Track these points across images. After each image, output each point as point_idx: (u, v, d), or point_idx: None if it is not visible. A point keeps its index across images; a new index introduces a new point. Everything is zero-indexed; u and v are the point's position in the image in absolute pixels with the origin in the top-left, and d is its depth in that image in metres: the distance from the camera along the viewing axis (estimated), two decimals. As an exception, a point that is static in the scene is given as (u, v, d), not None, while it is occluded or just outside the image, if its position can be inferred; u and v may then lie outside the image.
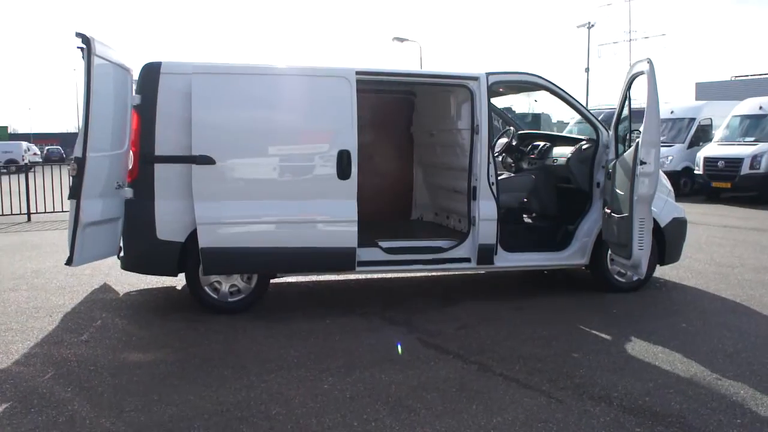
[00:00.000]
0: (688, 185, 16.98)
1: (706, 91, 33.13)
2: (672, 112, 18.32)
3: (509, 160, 8.00)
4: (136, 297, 6.34)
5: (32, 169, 13.92)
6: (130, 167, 5.51)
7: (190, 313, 5.66)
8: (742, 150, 15.54)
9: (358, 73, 5.79)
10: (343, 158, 5.63)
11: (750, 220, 12.44)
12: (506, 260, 6.36)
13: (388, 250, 6.13)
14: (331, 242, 5.71)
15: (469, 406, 3.80)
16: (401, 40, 39.12)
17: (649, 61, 5.55)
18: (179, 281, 6.25)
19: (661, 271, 7.31)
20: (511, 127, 8.03)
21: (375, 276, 7.15)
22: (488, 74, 6.22)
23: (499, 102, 8.32)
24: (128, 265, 5.71)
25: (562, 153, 7.09)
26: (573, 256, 6.52)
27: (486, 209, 6.18)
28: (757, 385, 4.10)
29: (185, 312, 5.69)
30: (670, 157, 16.96)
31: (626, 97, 6.10)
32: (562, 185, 7.12)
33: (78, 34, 4.62)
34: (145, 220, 5.46)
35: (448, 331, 5.32)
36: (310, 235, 5.68)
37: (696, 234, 10.49)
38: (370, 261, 6.04)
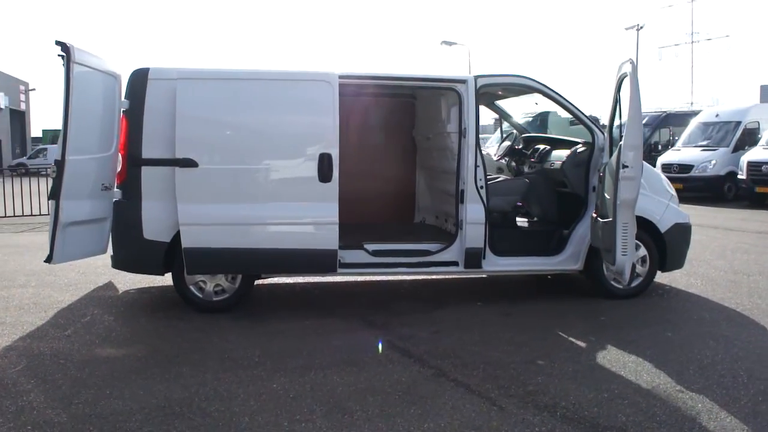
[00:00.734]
0: (732, 190, 16.24)
1: (771, 94, 31.67)
2: (717, 116, 17.61)
3: (513, 163, 7.89)
4: (132, 295, 6.57)
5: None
6: (119, 170, 5.73)
7: (176, 311, 5.83)
8: None
9: (341, 77, 5.84)
10: (324, 161, 5.68)
11: (792, 226, 11.81)
12: (495, 264, 6.27)
13: (374, 253, 6.15)
14: (312, 244, 5.77)
15: (406, 410, 3.77)
16: (449, 43, 39.08)
17: (631, 62, 5.38)
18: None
19: (671, 278, 7.07)
20: (515, 131, 7.90)
21: (372, 279, 7.17)
22: (476, 77, 6.16)
23: (506, 104, 8.18)
24: (117, 263, 5.93)
25: (560, 156, 6.93)
26: (566, 261, 6.37)
27: (473, 212, 6.12)
28: (718, 399, 3.91)
29: (172, 310, 5.87)
30: (713, 161, 16.27)
31: (617, 99, 5.91)
32: (561, 189, 6.97)
33: (57, 42, 4.86)
34: (132, 220, 5.66)
35: (421, 334, 5.29)
36: (291, 236, 5.76)
37: (725, 240, 10.08)
38: (353, 263, 6.07)
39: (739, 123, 17.01)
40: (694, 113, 19.02)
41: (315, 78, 5.81)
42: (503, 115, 8.11)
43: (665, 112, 20.56)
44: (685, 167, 16.55)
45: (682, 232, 6.58)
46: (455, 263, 6.22)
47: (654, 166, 17.94)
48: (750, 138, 16.79)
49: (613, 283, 6.36)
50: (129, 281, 6.98)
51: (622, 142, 5.33)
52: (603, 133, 6.26)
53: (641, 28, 33.77)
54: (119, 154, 5.72)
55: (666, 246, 6.44)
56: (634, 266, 5.83)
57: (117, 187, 5.74)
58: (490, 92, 7.47)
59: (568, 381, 4.22)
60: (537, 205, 7.20)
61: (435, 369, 4.45)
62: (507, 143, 7.87)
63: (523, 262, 6.44)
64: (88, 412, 3.72)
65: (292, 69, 5.99)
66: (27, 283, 6.94)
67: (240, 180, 5.70)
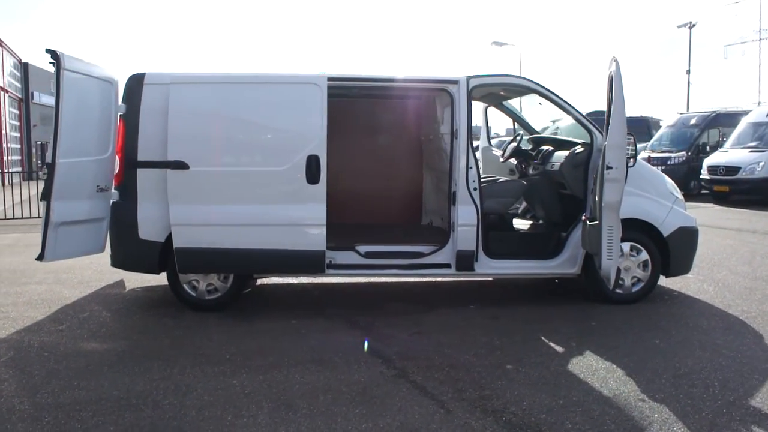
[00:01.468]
0: (781, 193, 15.42)
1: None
2: None
3: (522, 165, 7.76)
4: (137, 293, 6.82)
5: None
6: (117, 171, 5.96)
7: (171, 309, 6.01)
8: None
9: (330, 79, 5.90)
10: (312, 163, 5.75)
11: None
12: (488, 267, 6.19)
13: (366, 255, 6.17)
14: (300, 245, 5.84)
15: (352, 409, 3.78)
16: (500, 44, 38.74)
17: (615, 61, 5.21)
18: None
19: (683, 283, 6.85)
20: (521, 132, 7.77)
21: (372, 280, 7.20)
22: (469, 78, 6.09)
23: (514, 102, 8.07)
24: (116, 262, 6.17)
25: (561, 158, 6.77)
26: (563, 264, 6.22)
27: (465, 214, 6.06)
28: (679, 410, 3.75)
29: (167, 308, 6.05)
30: (762, 163, 15.47)
31: (610, 99, 5.73)
32: (563, 191, 6.81)
33: (47, 51, 5.13)
34: (128, 221, 5.88)
35: (400, 336, 5.28)
36: (279, 237, 5.85)
37: (759, 245, 9.63)
38: (344, 264, 6.11)
39: (792, 123, 16.15)
40: (745, 113, 18.14)
41: (303, 81, 5.89)
42: (512, 116, 7.99)
43: (714, 112, 19.69)
44: (732, 169, 15.82)
45: (687, 236, 6.31)
46: (448, 265, 6.18)
47: (701, 168, 17.32)
48: (802, 139, 15.92)
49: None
50: (139, 280, 7.24)
51: (606, 143, 5.18)
52: (602, 134, 6.09)
53: (694, 26, 32.50)
54: (116, 157, 5.97)
55: (670, 250, 6.20)
56: (619, 271, 5.64)
57: (115, 189, 5.98)
58: (495, 93, 7.39)
59: (528, 386, 4.13)
60: (540, 207, 7.07)
61: (398, 370, 4.44)
62: (513, 144, 7.74)
63: (519, 265, 6.32)
64: (51, 401, 3.90)
65: (282, 72, 6.09)
66: (44, 280, 7.30)
67: (230, 182, 5.83)
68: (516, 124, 8.18)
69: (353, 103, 7.68)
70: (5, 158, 32.50)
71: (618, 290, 6.17)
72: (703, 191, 17.64)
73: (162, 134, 5.73)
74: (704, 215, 14.01)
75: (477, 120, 7.27)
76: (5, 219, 13.80)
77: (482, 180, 6.35)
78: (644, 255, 6.19)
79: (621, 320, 5.65)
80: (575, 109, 6.25)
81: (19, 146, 37.96)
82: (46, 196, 5.29)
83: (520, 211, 7.66)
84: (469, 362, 4.59)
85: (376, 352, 4.85)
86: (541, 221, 7.23)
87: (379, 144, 8.06)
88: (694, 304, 6.21)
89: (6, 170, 28.42)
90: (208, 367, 4.50)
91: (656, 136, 20.32)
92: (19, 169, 33.74)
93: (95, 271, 7.71)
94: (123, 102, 5.92)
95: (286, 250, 5.82)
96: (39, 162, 37.81)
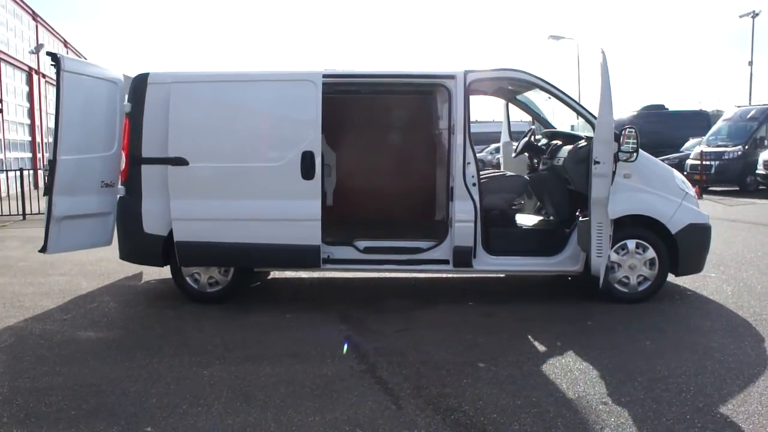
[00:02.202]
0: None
1: None
2: None
3: (533, 160, 7.59)
4: (150, 285, 7.08)
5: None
6: (123, 168, 6.21)
7: (176, 301, 6.22)
8: None
9: (325, 75, 5.94)
10: (307, 159, 5.81)
11: None
12: (487, 264, 6.10)
13: (365, 250, 6.20)
14: (295, 239, 5.92)
15: (307, 402, 3.82)
16: (557, 38, 37.73)
17: (602, 52, 5.01)
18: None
19: (702, 282, 6.63)
20: (533, 125, 7.59)
21: (377, 275, 7.21)
22: (467, 72, 6.01)
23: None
24: (123, 255, 6.42)
25: (566, 152, 6.57)
26: (565, 261, 6.06)
27: (462, 210, 5.99)
28: (639, 414, 3.59)
29: (172, 300, 6.26)
30: None
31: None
32: (570, 186, 6.61)
33: (48, 53, 5.39)
34: (133, 215, 6.12)
35: (386, 331, 5.28)
36: (275, 232, 5.94)
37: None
38: (342, 259, 6.16)
39: None
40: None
41: (299, 78, 5.96)
42: (527, 110, 7.80)
43: (774, 104, 18.62)
44: (788, 164, 14.94)
45: (698, 233, 6.01)
46: (446, 261, 6.13)
47: (757, 162, 16.42)
48: None
49: (617, 286, 5.96)
50: (157, 273, 7.49)
51: (593, 137, 5.00)
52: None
53: (757, 15, 30.72)
54: (122, 154, 6.21)
55: (679, 248, 5.94)
56: (607, 268, 5.43)
57: (121, 184, 6.23)
58: (503, 88, 7.25)
59: (492, 386, 4.05)
60: (549, 202, 6.89)
61: (368, 366, 4.44)
62: (525, 139, 7.57)
63: (519, 262, 6.20)
64: (28, 386, 4.12)
65: (279, 69, 6.18)
66: (68, 272, 7.68)
67: (227, 177, 5.97)
68: (531, 118, 7.99)
69: (364, 99, 7.70)
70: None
71: (623, 289, 5.97)
72: (761, 187, 16.73)
73: (165, 132, 5.92)
74: (757, 212, 13.31)
75: (482, 115, 7.15)
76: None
77: (484, 175, 6.26)
78: (650, 253, 5.94)
79: (618, 320, 5.45)
80: (577, 103, 6.07)
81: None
82: (48, 191, 5.57)
83: (524, 207, 7.49)
84: (442, 359, 4.55)
85: (355, 346, 4.87)
86: (551, 217, 7.05)
87: (393, 139, 8.04)
88: (704, 305, 5.92)
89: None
90: (187, 357, 4.64)
91: (712, 130, 19.39)
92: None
93: (118, 263, 7.94)
94: (129, 101, 6.15)
95: (282, 244, 5.91)
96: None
